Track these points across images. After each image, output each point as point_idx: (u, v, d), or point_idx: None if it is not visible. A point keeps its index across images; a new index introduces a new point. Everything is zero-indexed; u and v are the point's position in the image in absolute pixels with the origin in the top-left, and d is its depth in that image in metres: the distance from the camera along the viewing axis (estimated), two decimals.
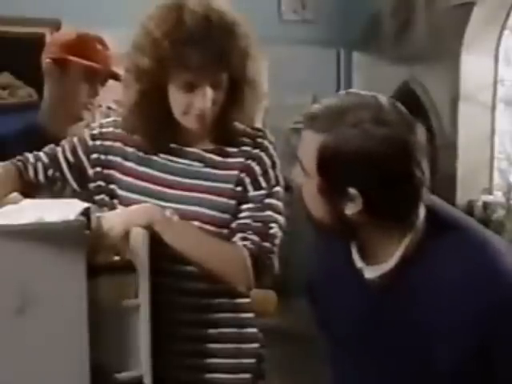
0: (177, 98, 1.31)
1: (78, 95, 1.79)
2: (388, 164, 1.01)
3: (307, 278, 1.29)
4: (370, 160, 1.01)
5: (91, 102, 1.80)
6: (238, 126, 1.41)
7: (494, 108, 3.96)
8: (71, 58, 1.77)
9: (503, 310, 1.01)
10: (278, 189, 1.37)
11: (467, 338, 1.02)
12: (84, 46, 1.79)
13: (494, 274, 1.02)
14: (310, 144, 1.05)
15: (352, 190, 1.02)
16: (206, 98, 1.30)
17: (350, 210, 1.04)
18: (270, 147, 1.39)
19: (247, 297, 1.40)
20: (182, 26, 1.27)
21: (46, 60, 1.81)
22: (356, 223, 1.06)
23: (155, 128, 1.35)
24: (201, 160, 1.38)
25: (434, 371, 1.06)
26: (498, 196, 3.87)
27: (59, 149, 1.44)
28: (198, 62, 1.26)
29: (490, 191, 3.94)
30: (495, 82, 3.94)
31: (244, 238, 1.32)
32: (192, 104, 1.30)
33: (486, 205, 3.82)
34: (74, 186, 1.43)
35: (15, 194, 1.34)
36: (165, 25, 1.28)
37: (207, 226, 1.33)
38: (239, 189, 1.36)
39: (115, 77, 1.81)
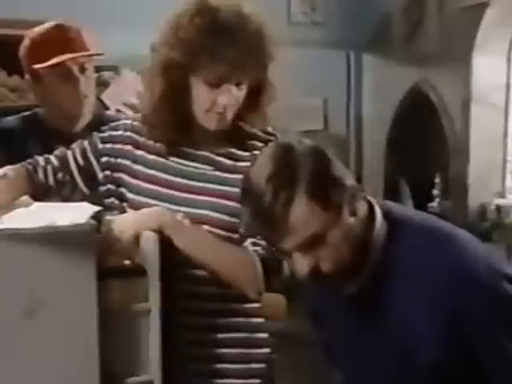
0: (201, 94, 1.30)
1: (62, 95, 1.72)
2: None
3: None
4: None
5: (78, 94, 1.72)
6: (250, 129, 1.40)
7: (506, 110, 3.92)
8: (36, 66, 1.70)
9: (469, 305, 1.02)
10: None
11: (438, 331, 1.04)
12: (41, 46, 1.70)
13: (459, 268, 1.03)
14: (301, 212, 1.02)
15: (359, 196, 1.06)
16: (230, 95, 1.30)
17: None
18: None
19: (257, 302, 1.39)
20: (216, 21, 1.27)
21: (25, 78, 1.77)
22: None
23: (173, 132, 1.34)
24: (211, 163, 1.37)
25: (418, 368, 1.07)
26: (511, 199, 3.84)
27: (69, 152, 1.44)
28: (230, 56, 1.26)
29: (502, 194, 3.90)
30: (508, 84, 3.91)
31: (254, 244, 1.32)
32: (215, 101, 1.30)
33: (499, 208, 3.79)
34: (84, 189, 1.42)
35: (25, 198, 1.34)
36: (198, 19, 1.28)
37: (217, 230, 1.33)
38: None
39: (91, 56, 1.74)
